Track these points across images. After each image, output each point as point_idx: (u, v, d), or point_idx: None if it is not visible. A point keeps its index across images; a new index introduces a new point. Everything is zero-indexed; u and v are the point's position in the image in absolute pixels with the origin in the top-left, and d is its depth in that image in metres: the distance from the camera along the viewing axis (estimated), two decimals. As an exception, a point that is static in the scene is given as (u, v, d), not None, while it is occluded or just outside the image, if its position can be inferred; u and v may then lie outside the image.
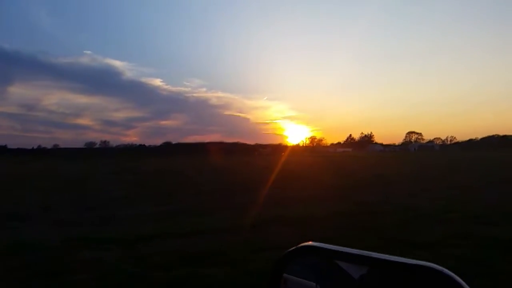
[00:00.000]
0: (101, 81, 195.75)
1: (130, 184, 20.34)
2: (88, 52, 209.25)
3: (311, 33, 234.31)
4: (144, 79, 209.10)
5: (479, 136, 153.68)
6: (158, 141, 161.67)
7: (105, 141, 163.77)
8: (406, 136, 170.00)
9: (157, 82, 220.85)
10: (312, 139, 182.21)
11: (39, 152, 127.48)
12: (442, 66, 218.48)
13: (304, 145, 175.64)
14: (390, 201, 11.89)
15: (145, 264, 5.95)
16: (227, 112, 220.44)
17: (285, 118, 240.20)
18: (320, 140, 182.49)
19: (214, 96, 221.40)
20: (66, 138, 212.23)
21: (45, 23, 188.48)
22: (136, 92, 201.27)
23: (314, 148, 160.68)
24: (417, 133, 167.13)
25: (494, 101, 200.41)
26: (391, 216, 9.38)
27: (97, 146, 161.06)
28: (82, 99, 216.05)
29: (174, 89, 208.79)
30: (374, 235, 7.53)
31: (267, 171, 26.66)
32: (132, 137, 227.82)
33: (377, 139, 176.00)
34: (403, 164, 39.04)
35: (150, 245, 7.09)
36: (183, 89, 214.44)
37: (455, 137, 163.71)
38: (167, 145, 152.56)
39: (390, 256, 0.82)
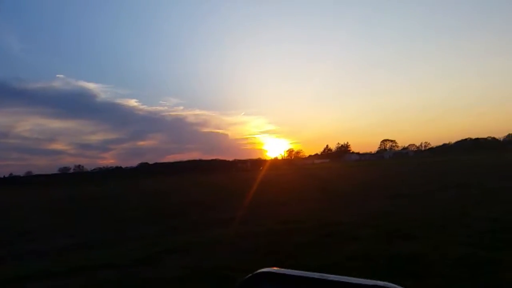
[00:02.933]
0: (75, 104, 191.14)
1: (60, 212, 19.34)
2: (61, 75, 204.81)
3: (286, 47, 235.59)
4: (119, 100, 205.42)
5: (453, 141, 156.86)
6: (136, 162, 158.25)
7: (79, 166, 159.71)
8: (380, 144, 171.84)
9: (133, 102, 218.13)
10: (290, 152, 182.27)
11: (10, 181, 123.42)
12: (414, 74, 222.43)
13: (283, 158, 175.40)
14: (316, 217, 11.26)
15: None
16: (205, 130, 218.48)
17: (263, 132, 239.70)
18: (298, 152, 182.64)
19: (192, 114, 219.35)
20: (41, 164, 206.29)
21: (15, 48, 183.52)
22: (111, 113, 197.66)
23: (292, 161, 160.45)
24: (391, 141, 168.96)
25: (466, 106, 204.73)
26: (306, 235, 8.72)
27: (71, 171, 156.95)
28: (56, 124, 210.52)
29: (150, 109, 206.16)
30: (274, 258, 6.88)
31: (218, 190, 25.91)
32: (109, 160, 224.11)
33: (354, 148, 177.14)
34: (366, 173, 38.89)
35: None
36: (159, 108, 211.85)
37: (429, 143, 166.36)
38: (143, 165, 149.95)
39: (351, 278, 0.80)
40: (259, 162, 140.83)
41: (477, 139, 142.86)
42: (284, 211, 13.35)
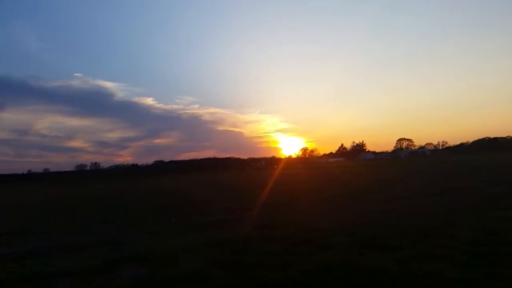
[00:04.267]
0: (93, 102, 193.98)
1: (50, 212, 19.38)
2: (79, 74, 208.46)
3: (301, 45, 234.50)
4: (136, 99, 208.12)
5: (470, 140, 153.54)
6: (152, 160, 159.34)
7: (95, 163, 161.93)
8: (397, 143, 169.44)
9: (149, 101, 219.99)
10: (305, 150, 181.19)
11: (28, 177, 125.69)
12: (432, 73, 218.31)
13: (297, 156, 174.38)
14: (301, 222, 10.75)
15: None
16: (220, 128, 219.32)
17: (278, 130, 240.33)
18: (313, 151, 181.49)
19: (207, 112, 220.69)
20: (59, 162, 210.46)
21: (34, 47, 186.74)
22: (128, 112, 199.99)
23: (307, 160, 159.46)
24: (407, 140, 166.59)
25: (484, 105, 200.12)
26: (278, 243, 8.22)
27: (87, 168, 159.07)
28: (74, 122, 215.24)
29: (166, 107, 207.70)
30: (231, 270, 6.41)
31: (221, 190, 25.50)
32: (125, 157, 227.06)
33: (369, 147, 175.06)
34: (374, 174, 38.11)
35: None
36: (175, 106, 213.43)
37: (446, 142, 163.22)
38: (159, 163, 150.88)
39: None
40: (273, 161, 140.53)
41: (495, 138, 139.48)
42: (273, 214, 12.85)
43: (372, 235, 8.28)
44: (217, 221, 12.19)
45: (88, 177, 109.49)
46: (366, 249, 7.17)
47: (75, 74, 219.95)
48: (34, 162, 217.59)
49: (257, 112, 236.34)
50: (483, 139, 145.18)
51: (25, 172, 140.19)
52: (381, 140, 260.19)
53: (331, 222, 10.38)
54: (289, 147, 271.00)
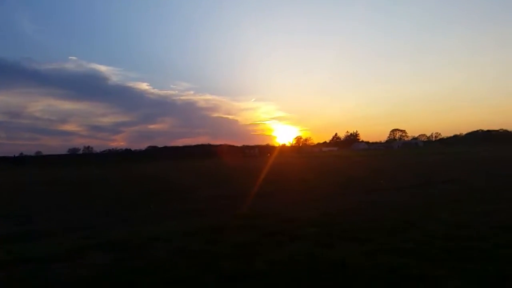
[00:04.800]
0: (87, 86, 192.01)
1: (33, 196, 19.39)
2: (73, 57, 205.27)
3: (297, 34, 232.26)
4: (130, 84, 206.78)
5: (464, 132, 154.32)
6: (145, 145, 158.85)
7: (88, 147, 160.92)
8: (390, 134, 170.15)
9: (144, 86, 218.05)
10: (298, 139, 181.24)
11: (19, 160, 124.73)
12: (427, 64, 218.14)
13: (291, 145, 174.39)
14: (280, 212, 10.71)
15: None
16: (215, 115, 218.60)
17: (273, 118, 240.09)
18: (306, 139, 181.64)
19: (202, 98, 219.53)
20: (52, 145, 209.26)
21: (29, 29, 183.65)
22: (122, 96, 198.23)
23: (300, 148, 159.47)
24: (401, 131, 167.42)
25: (478, 97, 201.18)
26: (251, 233, 8.14)
27: (80, 152, 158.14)
28: (68, 105, 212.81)
29: (161, 92, 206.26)
30: (200, 262, 6.30)
31: (208, 177, 25.42)
32: (119, 142, 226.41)
33: (363, 137, 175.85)
34: (364, 163, 38.23)
35: None
36: (170, 92, 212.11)
37: (440, 133, 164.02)
38: (152, 149, 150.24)
39: None
40: (267, 149, 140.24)
41: (488, 131, 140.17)
42: (256, 203, 12.80)
43: (346, 227, 8.24)
44: (199, 209, 12.08)
45: (81, 161, 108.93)
46: (336, 241, 7.11)
47: (70, 57, 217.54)
48: (27, 145, 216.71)
49: (253, 100, 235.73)
50: (477, 131, 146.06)
51: (17, 155, 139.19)
52: (375, 130, 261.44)
53: (311, 213, 10.33)
54: (283, 135, 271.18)
